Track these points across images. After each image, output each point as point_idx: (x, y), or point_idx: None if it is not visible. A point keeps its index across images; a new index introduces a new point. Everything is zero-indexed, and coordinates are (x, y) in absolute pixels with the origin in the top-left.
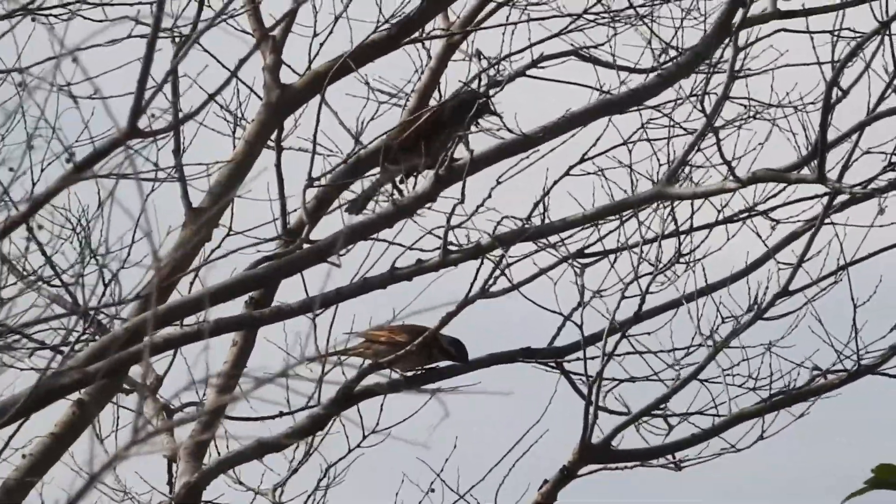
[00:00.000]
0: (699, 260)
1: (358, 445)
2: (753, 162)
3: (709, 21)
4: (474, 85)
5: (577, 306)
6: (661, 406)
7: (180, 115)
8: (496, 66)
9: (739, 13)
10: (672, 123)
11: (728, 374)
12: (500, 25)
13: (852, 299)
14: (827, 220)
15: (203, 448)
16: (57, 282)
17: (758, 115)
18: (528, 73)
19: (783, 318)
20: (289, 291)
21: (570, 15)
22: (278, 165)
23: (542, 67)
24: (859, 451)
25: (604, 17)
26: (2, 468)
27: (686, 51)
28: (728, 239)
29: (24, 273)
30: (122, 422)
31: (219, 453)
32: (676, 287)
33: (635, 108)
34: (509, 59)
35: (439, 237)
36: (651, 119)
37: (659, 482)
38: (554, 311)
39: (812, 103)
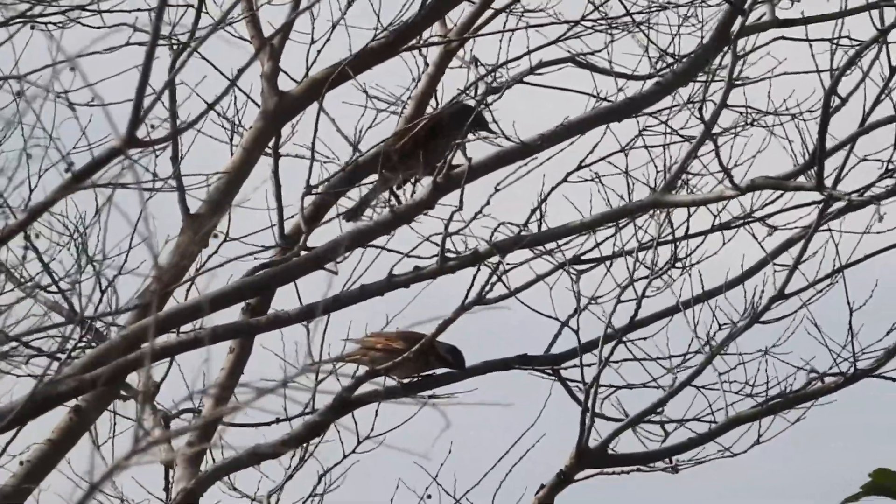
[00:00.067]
0: (695, 264)
1: (353, 451)
2: (749, 169)
3: (707, 28)
4: (472, 92)
5: (573, 313)
6: (658, 411)
7: (179, 123)
8: (493, 74)
9: (738, 21)
10: (669, 130)
11: (725, 381)
12: (498, 32)
13: (848, 303)
14: (823, 227)
15: (200, 455)
16: (54, 289)
17: (755, 123)
18: (525, 80)
19: (779, 321)
20: (284, 299)
21: (567, 22)
22: (276, 172)
23: (540, 74)
24: (856, 456)
25: (601, 25)
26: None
27: (684, 58)
28: (724, 244)
29: (22, 280)
30: (119, 428)
31: (214, 460)
32: (673, 291)
33: (633, 115)
34: (507, 66)
35: (437, 244)
36: (648, 126)
37: (655, 487)
38: (550, 317)
39: (810, 111)
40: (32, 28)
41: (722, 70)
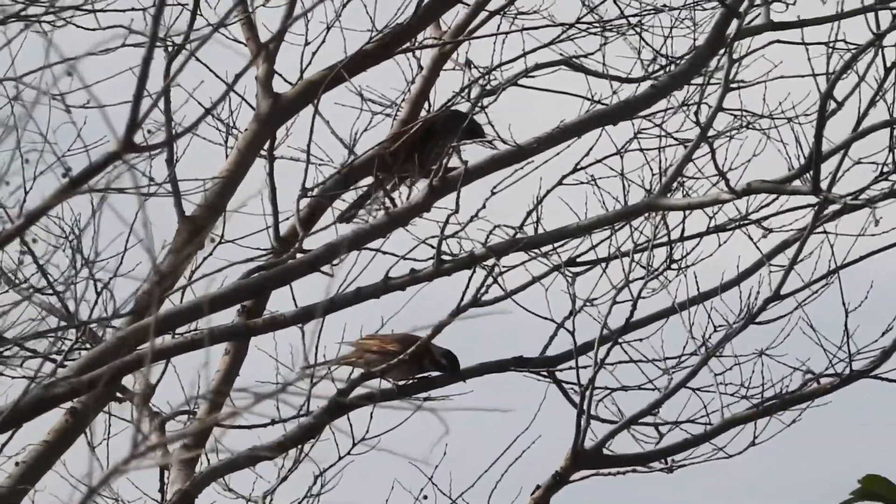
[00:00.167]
0: (690, 266)
1: (348, 453)
2: (744, 172)
3: (702, 32)
4: (466, 95)
5: (569, 314)
6: (654, 412)
7: (175, 128)
8: (488, 76)
9: (734, 24)
10: (664, 133)
11: (720, 383)
12: (492, 35)
13: (844, 304)
14: (819, 229)
15: (195, 456)
16: (50, 291)
17: (750, 126)
18: (519, 82)
19: (775, 322)
20: (279, 301)
21: (561, 24)
22: (271, 175)
23: (534, 77)
24: (852, 457)
25: (595, 27)
26: None
27: (678, 60)
28: (719, 245)
29: (17, 282)
30: (114, 430)
31: (209, 462)
32: (668, 292)
33: (629, 118)
34: (501, 68)
35: (433, 247)
36: (643, 129)
37: (651, 489)
38: (546, 319)
39: (805, 114)
40: (26, 27)
41: (718, 73)
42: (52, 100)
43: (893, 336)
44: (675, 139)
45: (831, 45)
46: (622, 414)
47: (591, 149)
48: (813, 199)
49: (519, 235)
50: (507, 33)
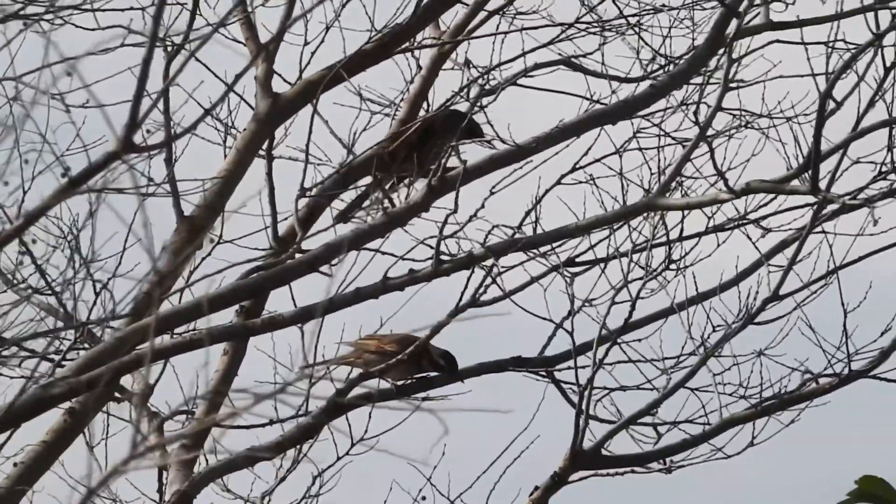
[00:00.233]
0: (689, 266)
1: (346, 453)
2: (743, 171)
3: (701, 31)
4: (465, 94)
5: (567, 314)
6: (652, 412)
7: (174, 128)
8: (487, 76)
9: (733, 24)
10: (663, 133)
11: (719, 383)
12: (491, 35)
13: (842, 304)
14: (817, 229)
15: (194, 457)
16: (48, 291)
17: (749, 126)
18: (518, 82)
19: (773, 322)
20: (277, 302)
21: (560, 24)
22: (269, 175)
23: (533, 77)
24: (851, 457)
25: (594, 27)
26: None
27: (677, 60)
28: (718, 245)
29: (15, 282)
30: (113, 430)
31: (207, 462)
32: (667, 292)
33: (628, 118)
34: (500, 68)
35: (432, 247)
36: (642, 128)
37: (649, 489)
38: (545, 319)
39: (804, 114)
40: (26, 26)
41: (717, 72)
42: (51, 99)
43: (892, 336)
44: (674, 139)
45: (831, 44)
46: (620, 414)
47: (589, 148)
48: (811, 199)
49: (517, 235)
50: (506, 33)
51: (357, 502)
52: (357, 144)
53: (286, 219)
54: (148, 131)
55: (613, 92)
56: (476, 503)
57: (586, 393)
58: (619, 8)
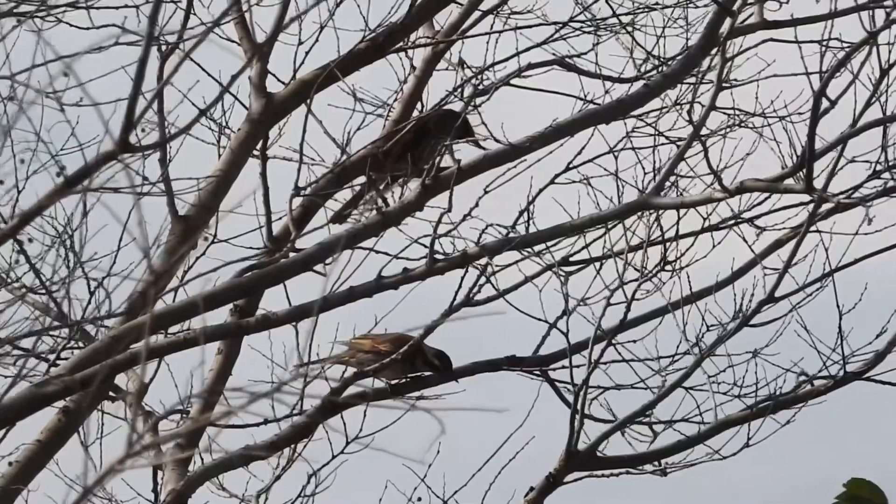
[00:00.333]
0: (684, 267)
1: (341, 452)
2: (739, 171)
3: (695, 31)
4: (459, 94)
5: (561, 314)
6: (647, 413)
7: (168, 128)
8: (480, 76)
9: (727, 23)
10: (657, 132)
11: (714, 382)
12: (485, 34)
13: (838, 306)
14: (812, 228)
15: (189, 456)
16: (43, 290)
17: (742, 124)
18: (512, 82)
19: (769, 324)
20: (271, 301)
21: (554, 23)
22: (263, 175)
23: (527, 77)
24: (847, 458)
25: (588, 26)
26: None
27: (671, 60)
28: (714, 246)
29: (9, 281)
30: (107, 429)
31: (203, 461)
32: (662, 293)
33: (621, 118)
34: (494, 68)
35: (426, 246)
36: (636, 128)
37: (644, 490)
38: (539, 319)
39: (798, 113)
40: (19, 23)
41: (710, 72)
42: (45, 98)
43: (887, 338)
44: (668, 139)
45: (825, 43)
46: (614, 414)
47: (583, 148)
48: (806, 198)
49: (511, 235)
50: (500, 32)
51: (352, 501)
52: (351, 144)
53: (280, 218)
54: (142, 130)
55: (607, 92)
56: (471, 503)
57: (581, 394)
58: (612, 8)
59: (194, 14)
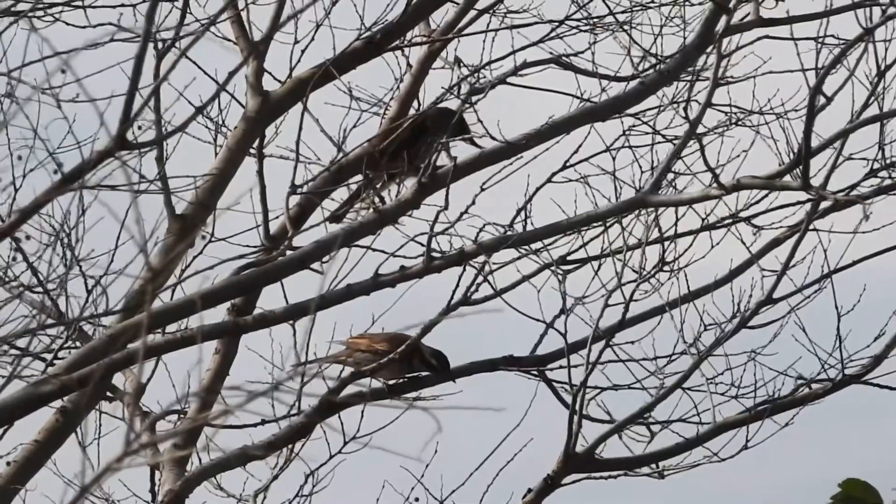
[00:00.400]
0: (683, 268)
1: (339, 452)
2: (738, 170)
3: (691, 29)
4: (455, 92)
5: (559, 313)
6: (645, 416)
7: (165, 126)
8: (477, 74)
9: (723, 20)
10: (653, 130)
11: (712, 383)
12: (481, 33)
13: (836, 308)
14: (811, 227)
15: (186, 456)
16: (40, 289)
17: (739, 122)
18: (509, 80)
19: (767, 326)
20: (268, 299)
21: (550, 21)
22: (260, 173)
23: (523, 75)
24: (845, 460)
25: (585, 25)
26: None
27: (667, 58)
28: (712, 247)
29: (6, 279)
30: (105, 429)
31: (200, 461)
32: (660, 294)
33: (617, 115)
34: (490, 66)
35: (423, 244)
36: (633, 126)
37: (642, 491)
38: (536, 319)
39: (795, 110)
40: (15, 21)
41: (706, 69)
42: (41, 95)
43: (885, 341)
44: (664, 137)
45: (820, 40)
46: (611, 415)
47: (579, 146)
48: (802, 196)
49: (509, 233)
50: (496, 31)
51: (350, 501)
52: (347, 142)
53: (277, 216)
54: (139, 128)
55: (603, 90)
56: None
57: (580, 395)
58: (608, 6)
59: (190, 12)
